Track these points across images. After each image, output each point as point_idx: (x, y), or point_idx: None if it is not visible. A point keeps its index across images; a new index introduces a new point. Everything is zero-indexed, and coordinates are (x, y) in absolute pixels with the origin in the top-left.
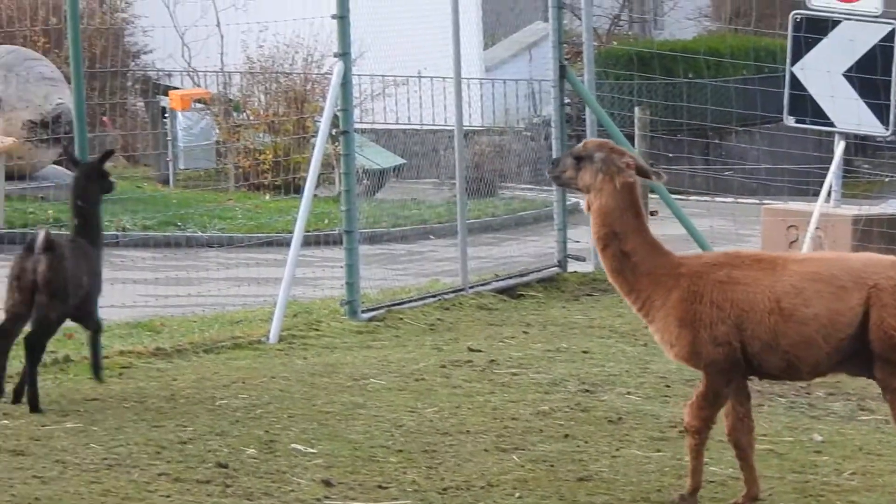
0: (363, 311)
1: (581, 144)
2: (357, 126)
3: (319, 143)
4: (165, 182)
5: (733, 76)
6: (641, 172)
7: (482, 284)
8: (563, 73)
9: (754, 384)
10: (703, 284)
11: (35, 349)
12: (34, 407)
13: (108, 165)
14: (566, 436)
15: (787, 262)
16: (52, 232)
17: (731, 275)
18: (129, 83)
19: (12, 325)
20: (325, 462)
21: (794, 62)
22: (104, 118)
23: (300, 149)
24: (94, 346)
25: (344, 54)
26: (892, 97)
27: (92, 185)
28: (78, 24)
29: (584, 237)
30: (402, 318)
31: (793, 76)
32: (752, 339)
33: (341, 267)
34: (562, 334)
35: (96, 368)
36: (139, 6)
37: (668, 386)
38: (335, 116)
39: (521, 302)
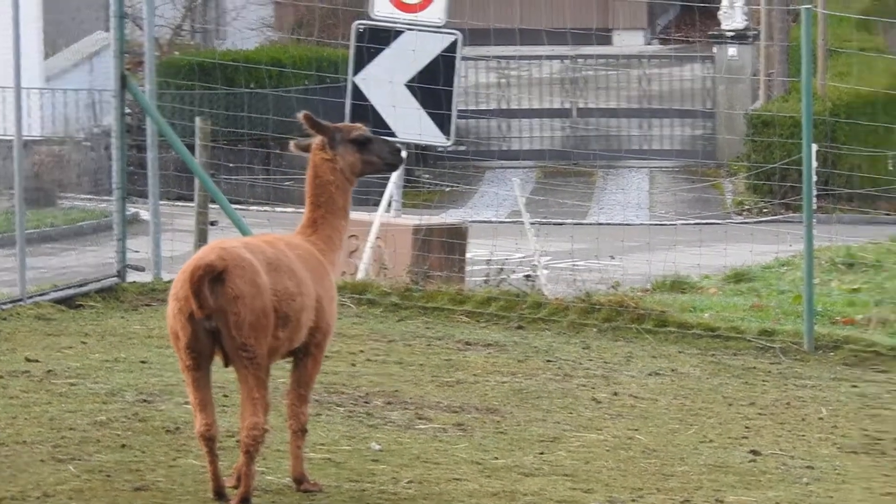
0: None
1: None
2: None
3: None
4: None
5: (295, 86)
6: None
7: (40, 295)
8: (123, 84)
9: (317, 394)
10: None
11: None
12: None
13: None
14: (123, 446)
15: None
16: None
17: None
18: None
19: None
20: None
21: (356, 72)
22: None
23: None
24: None
25: None
26: (453, 107)
27: None
28: None
29: (143, 247)
30: None
31: (355, 86)
32: None
33: None
34: (120, 344)
35: None
36: None
37: (227, 395)
38: None
39: (79, 312)
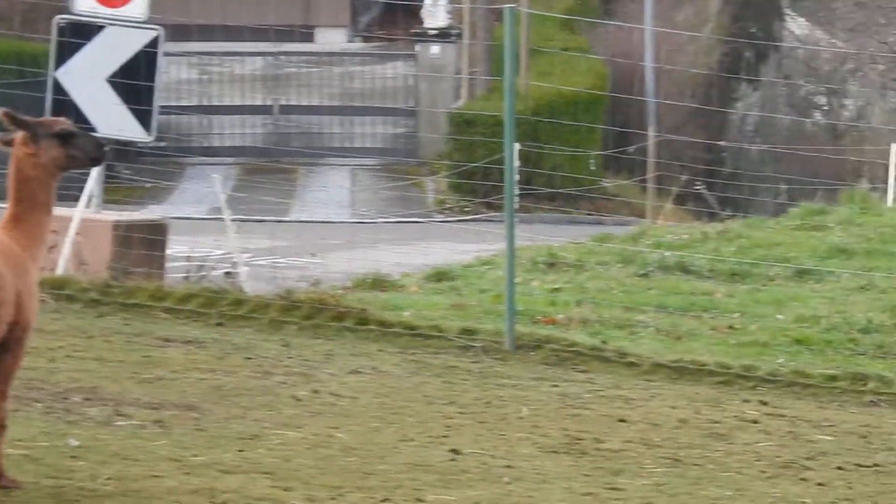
0: None
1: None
2: None
3: None
4: None
5: None
6: None
7: None
8: None
9: (15, 390)
10: None
11: None
12: None
13: None
14: None
15: None
16: None
17: None
18: None
19: None
20: None
21: (57, 67)
22: None
23: None
24: None
25: None
26: (154, 103)
27: None
28: None
29: None
30: None
31: (56, 81)
32: None
33: None
34: None
35: None
36: None
37: None
38: None
39: None
